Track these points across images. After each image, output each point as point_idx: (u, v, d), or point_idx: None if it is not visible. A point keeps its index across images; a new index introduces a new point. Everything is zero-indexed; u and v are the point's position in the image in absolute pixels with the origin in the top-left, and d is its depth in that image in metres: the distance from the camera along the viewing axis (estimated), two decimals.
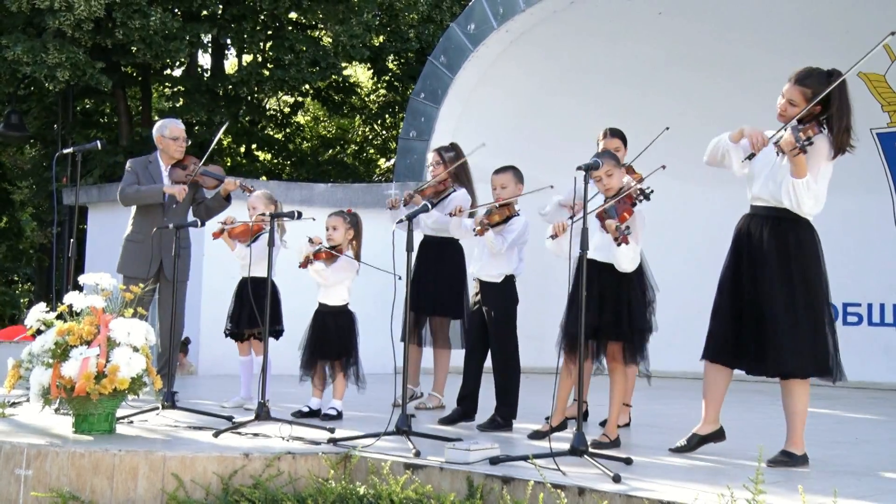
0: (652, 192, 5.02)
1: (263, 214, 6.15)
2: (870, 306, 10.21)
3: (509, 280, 5.62)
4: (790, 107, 4.41)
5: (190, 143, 6.99)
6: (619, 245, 4.51)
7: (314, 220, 5.68)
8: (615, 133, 5.79)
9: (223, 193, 6.82)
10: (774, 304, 4.40)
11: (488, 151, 6.42)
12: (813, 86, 4.37)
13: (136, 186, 6.69)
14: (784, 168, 4.37)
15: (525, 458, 4.06)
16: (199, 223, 6.10)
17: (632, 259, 4.79)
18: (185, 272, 6.70)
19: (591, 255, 4.60)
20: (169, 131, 6.78)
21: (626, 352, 4.87)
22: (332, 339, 5.86)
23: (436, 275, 6.41)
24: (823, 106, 4.38)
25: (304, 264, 5.77)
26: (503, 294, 5.60)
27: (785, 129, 4.36)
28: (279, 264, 5.70)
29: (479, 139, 6.47)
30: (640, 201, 4.86)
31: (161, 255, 6.63)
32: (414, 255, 5.72)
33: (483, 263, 5.65)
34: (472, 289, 5.82)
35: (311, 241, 5.83)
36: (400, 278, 4.99)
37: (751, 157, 4.43)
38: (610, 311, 4.83)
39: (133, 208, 6.78)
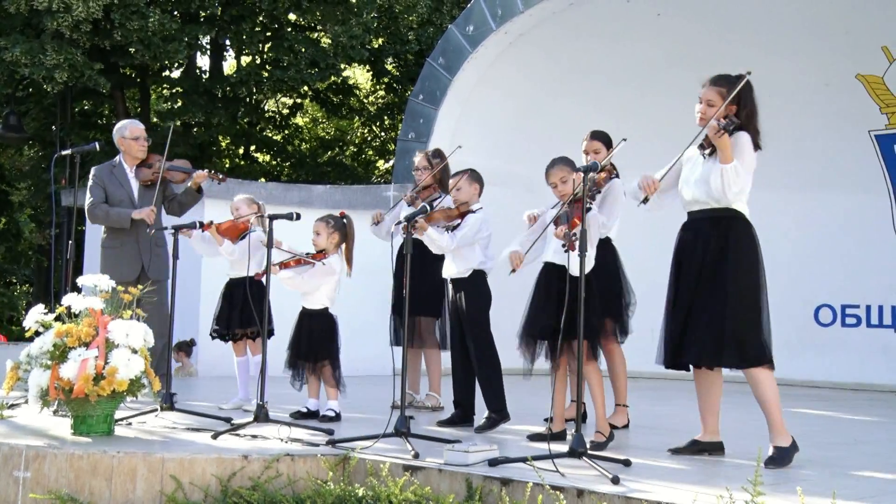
0: (599, 192, 5.18)
1: (261, 216, 6.16)
2: (868, 308, 10.19)
3: (479, 275, 5.68)
4: (709, 108, 4.66)
5: (175, 144, 6.88)
6: (566, 251, 4.56)
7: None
8: (596, 135, 5.82)
9: (194, 186, 6.70)
10: (712, 298, 4.51)
11: (487, 152, 6.43)
12: (726, 86, 4.65)
13: (105, 208, 6.56)
14: (713, 167, 4.53)
15: (524, 460, 4.06)
16: (198, 224, 6.07)
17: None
18: (165, 272, 6.52)
19: (550, 258, 5.00)
20: (129, 132, 6.68)
21: (588, 349, 4.90)
22: (307, 340, 5.91)
23: (419, 276, 6.41)
24: (737, 107, 4.62)
25: (259, 276, 5.71)
26: (473, 288, 5.66)
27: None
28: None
29: (478, 141, 6.48)
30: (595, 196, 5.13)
31: (142, 257, 6.55)
32: (395, 254, 5.76)
33: (448, 262, 5.75)
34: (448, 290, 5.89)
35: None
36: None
37: (645, 200, 4.65)
38: (567, 312, 4.88)
39: None
